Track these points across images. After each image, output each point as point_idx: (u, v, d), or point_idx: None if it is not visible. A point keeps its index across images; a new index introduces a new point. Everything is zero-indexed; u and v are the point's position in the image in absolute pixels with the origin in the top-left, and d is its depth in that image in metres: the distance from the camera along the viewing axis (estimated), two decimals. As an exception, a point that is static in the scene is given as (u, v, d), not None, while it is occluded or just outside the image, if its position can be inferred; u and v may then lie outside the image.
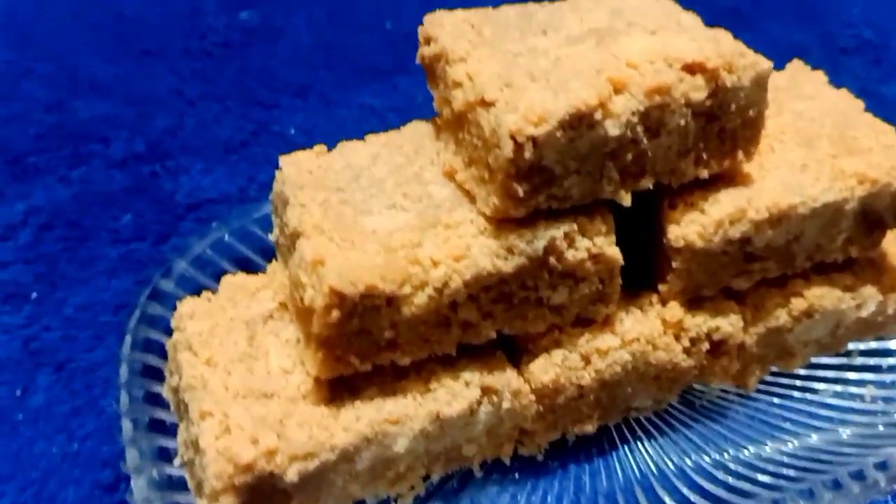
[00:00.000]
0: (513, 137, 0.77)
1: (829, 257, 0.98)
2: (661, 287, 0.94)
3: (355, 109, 1.43)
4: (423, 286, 0.80)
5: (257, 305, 0.92)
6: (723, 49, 0.85)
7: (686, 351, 0.94)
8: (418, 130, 0.97)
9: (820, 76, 1.10)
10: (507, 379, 0.88)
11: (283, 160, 0.93)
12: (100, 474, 0.94)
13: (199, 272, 1.02)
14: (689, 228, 0.89)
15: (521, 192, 0.80)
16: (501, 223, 0.83)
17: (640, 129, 0.82)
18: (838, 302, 0.99)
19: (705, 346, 0.95)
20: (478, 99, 0.81)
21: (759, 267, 0.95)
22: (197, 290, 0.97)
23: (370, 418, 0.82)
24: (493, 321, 0.86)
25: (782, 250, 0.94)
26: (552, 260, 0.84)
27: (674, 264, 0.91)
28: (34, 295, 1.11)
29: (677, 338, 0.94)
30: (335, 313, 0.77)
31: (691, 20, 0.93)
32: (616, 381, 0.92)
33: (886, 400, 1.05)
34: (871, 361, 1.09)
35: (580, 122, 0.79)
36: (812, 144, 0.98)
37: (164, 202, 1.17)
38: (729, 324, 0.95)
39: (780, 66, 1.09)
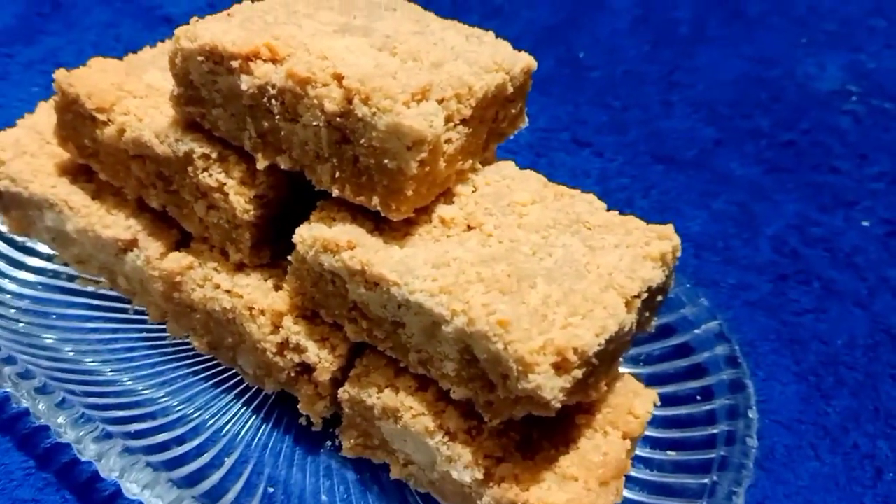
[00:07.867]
0: (175, 39, 0.91)
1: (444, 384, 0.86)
2: (286, 277, 0.95)
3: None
4: (112, 123, 1.00)
5: None
6: (374, 79, 0.82)
7: (279, 348, 0.95)
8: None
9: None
10: (152, 244, 1.03)
11: None
12: None
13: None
14: (303, 231, 0.90)
15: (175, 91, 0.93)
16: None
17: (276, 103, 0.87)
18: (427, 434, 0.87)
19: (295, 358, 0.94)
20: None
21: (367, 327, 0.89)
22: None
23: (62, 194, 1.07)
24: (156, 193, 1.01)
25: (388, 327, 0.87)
26: (190, 170, 0.95)
27: (291, 256, 0.92)
28: None
29: (276, 328, 0.95)
30: (56, 99, 1.04)
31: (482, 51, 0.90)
32: (217, 319, 0.99)
33: None
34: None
35: (221, 61, 0.88)
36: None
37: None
38: (316, 354, 0.93)
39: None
